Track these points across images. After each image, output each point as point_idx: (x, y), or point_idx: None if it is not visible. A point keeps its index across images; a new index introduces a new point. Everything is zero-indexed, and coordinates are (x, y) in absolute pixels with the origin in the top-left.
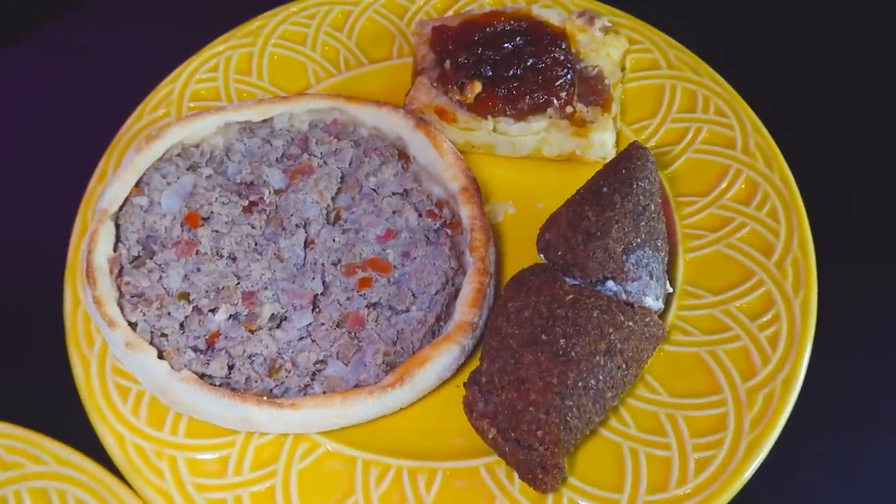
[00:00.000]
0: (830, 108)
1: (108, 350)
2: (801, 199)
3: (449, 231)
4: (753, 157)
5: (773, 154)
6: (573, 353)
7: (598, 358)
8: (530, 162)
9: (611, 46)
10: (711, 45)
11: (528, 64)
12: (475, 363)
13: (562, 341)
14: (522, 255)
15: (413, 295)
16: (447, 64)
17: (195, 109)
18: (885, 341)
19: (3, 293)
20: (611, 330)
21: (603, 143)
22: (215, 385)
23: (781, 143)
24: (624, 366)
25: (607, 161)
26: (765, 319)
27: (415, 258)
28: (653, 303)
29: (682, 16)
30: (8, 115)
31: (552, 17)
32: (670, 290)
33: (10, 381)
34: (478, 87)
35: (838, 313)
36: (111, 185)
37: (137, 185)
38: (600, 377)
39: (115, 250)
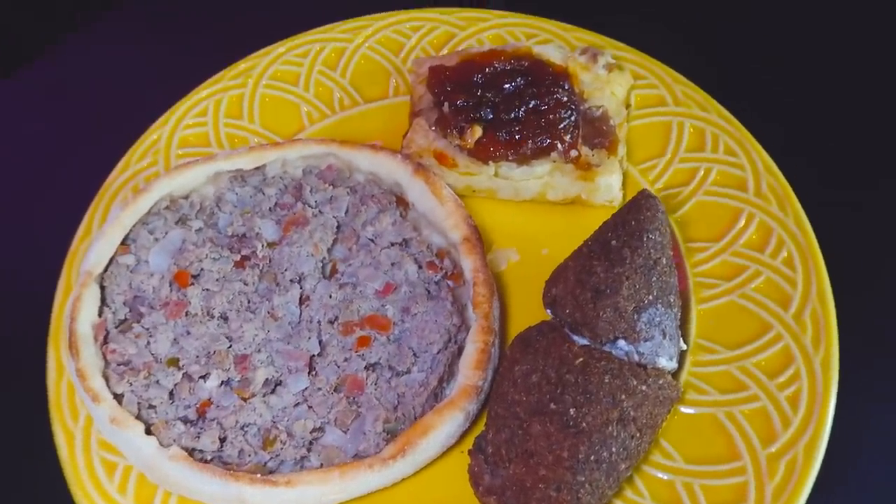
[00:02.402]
0: (849, 148)
1: (94, 422)
2: (817, 246)
3: (450, 283)
4: (766, 200)
5: (787, 196)
6: (584, 424)
7: (610, 428)
8: (534, 206)
9: (615, 84)
10: (720, 79)
11: (530, 106)
12: (481, 426)
13: (572, 411)
14: (528, 305)
15: (414, 354)
16: (445, 107)
17: (184, 157)
18: None
19: None
20: (623, 396)
21: (609, 187)
22: (206, 461)
23: (797, 185)
24: (638, 434)
25: (614, 203)
26: (784, 378)
27: (415, 314)
28: (666, 363)
29: (689, 50)
30: None
31: (553, 54)
32: (684, 347)
33: None
34: (478, 131)
35: (862, 368)
36: (95, 245)
37: (124, 241)
38: (613, 449)
39: (100, 314)
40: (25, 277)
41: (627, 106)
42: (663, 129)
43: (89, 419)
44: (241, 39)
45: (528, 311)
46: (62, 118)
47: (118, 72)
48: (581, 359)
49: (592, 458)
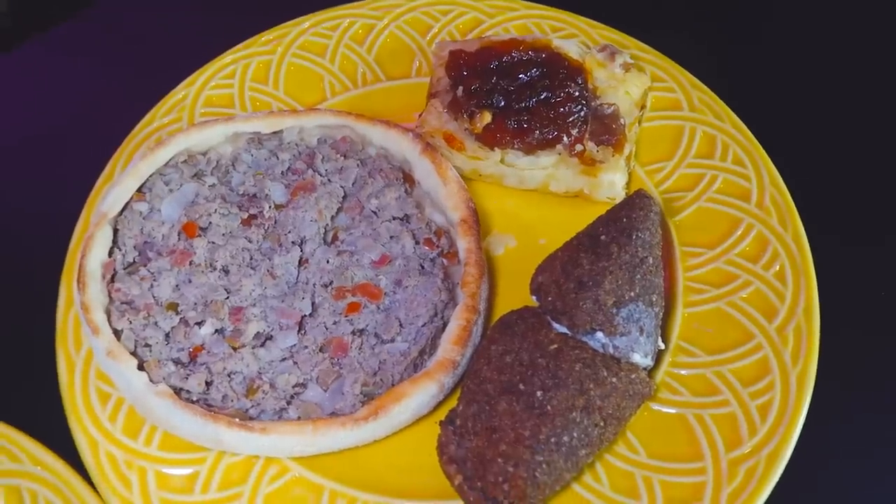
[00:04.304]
0: (864, 176)
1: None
2: (812, 263)
3: (445, 261)
4: (767, 213)
5: (788, 212)
6: (549, 407)
7: (574, 414)
8: (538, 195)
9: (631, 84)
10: (742, 90)
11: (542, 97)
12: (456, 401)
13: (539, 393)
14: (517, 292)
15: (400, 325)
16: (459, 90)
17: (207, 115)
18: (884, 424)
19: (3, 290)
20: (591, 385)
21: (612, 184)
22: (192, 401)
23: (803, 204)
24: (602, 423)
25: (616, 201)
26: (758, 387)
27: (406, 287)
28: (640, 359)
29: (715, 53)
30: (33, 103)
31: (572, 49)
32: (662, 346)
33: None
34: (487, 117)
35: (838, 388)
36: (112, 190)
37: (140, 190)
38: (574, 434)
39: (110, 255)
40: (52, 217)
41: (642, 107)
42: (675, 133)
43: (91, 351)
44: (294, 4)
45: (516, 298)
46: (103, 70)
47: (163, 31)
48: (556, 345)
49: (553, 440)
